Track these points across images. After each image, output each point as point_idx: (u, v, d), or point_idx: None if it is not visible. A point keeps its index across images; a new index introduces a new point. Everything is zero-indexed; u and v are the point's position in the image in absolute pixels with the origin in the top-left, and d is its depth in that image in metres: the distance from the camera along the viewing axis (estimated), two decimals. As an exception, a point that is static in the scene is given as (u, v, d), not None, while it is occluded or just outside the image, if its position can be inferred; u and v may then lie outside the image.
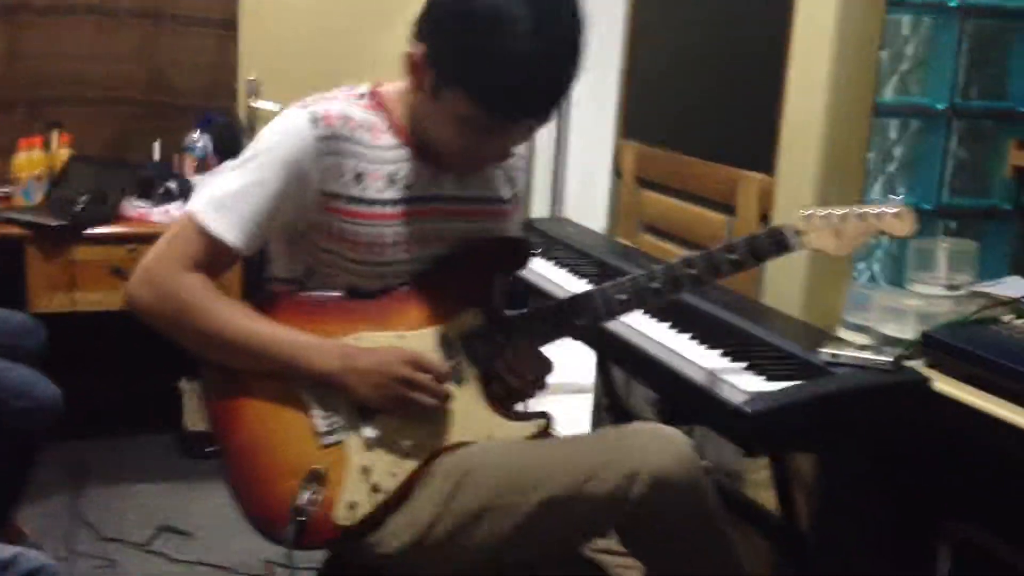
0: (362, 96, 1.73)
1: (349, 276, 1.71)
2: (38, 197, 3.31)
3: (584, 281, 2.31)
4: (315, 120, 1.64)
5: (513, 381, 1.75)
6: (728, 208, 2.46)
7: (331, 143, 1.64)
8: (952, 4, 2.20)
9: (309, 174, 1.64)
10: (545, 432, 1.74)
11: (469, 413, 1.70)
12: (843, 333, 2.13)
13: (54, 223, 3.13)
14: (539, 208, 4.28)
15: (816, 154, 2.17)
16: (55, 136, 3.42)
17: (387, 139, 1.71)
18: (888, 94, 2.22)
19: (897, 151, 2.26)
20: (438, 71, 1.60)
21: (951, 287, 2.17)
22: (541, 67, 1.55)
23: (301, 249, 1.72)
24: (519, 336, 1.74)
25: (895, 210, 1.75)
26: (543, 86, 1.58)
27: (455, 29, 1.57)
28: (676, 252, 2.66)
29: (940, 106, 2.25)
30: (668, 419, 1.92)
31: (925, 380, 1.78)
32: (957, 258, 2.20)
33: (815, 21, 2.15)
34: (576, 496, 1.57)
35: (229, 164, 1.68)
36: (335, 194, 1.67)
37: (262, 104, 3.66)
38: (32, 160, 3.33)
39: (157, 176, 3.45)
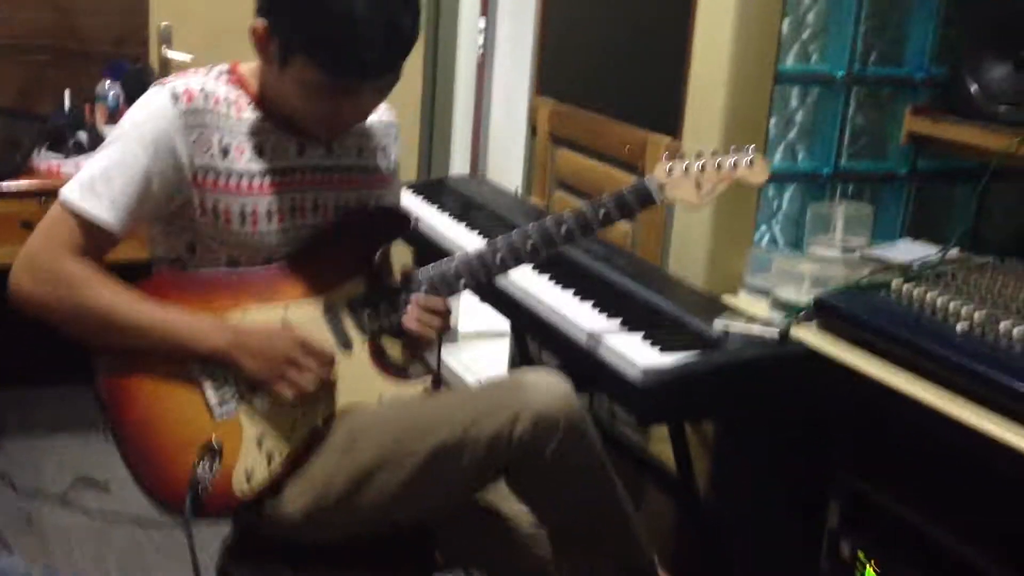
0: (221, 73, 1.76)
1: (228, 250, 1.74)
2: (-58, 150, 3.24)
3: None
4: (176, 96, 1.67)
5: (413, 331, 1.80)
6: (638, 169, 2.51)
7: (195, 117, 1.68)
8: (852, -28, 2.25)
9: (176, 149, 1.67)
10: (432, 390, 1.81)
11: (358, 378, 1.76)
12: (743, 296, 2.20)
13: (-39, 177, 3.07)
14: (459, 166, 4.28)
15: (719, 119, 2.21)
16: (-40, 87, 3.35)
17: (249, 113, 1.74)
18: (789, 61, 2.27)
19: (798, 117, 2.32)
20: (280, 41, 1.64)
21: (846, 250, 2.24)
22: (376, 26, 1.59)
23: (178, 228, 1.74)
24: (404, 297, 1.80)
25: (749, 158, 1.82)
26: (381, 44, 1.62)
27: None
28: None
29: (839, 73, 2.30)
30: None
31: (809, 351, 1.86)
32: (853, 222, 2.27)
33: (719, -11, 2.19)
34: (462, 441, 1.64)
35: (101, 145, 1.71)
36: (203, 167, 1.69)
37: (174, 53, 3.60)
38: (-63, 112, 3.26)
39: (68, 127, 3.38)
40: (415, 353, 1.86)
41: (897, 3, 2.31)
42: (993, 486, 1.66)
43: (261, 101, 1.75)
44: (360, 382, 1.76)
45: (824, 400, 1.92)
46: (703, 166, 1.83)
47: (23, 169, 3.20)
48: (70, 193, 1.66)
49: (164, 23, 3.61)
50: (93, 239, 1.66)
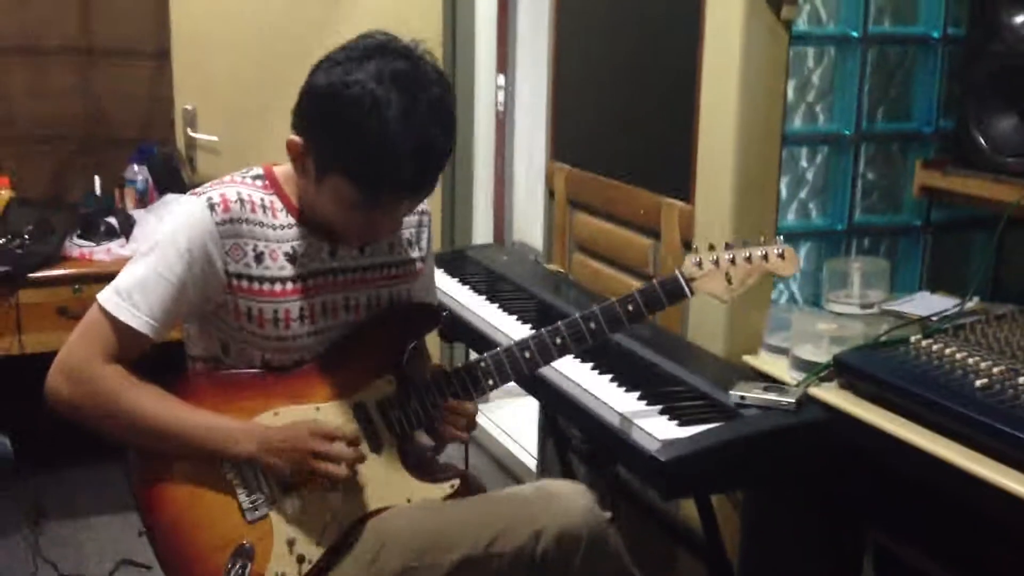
0: (256, 178, 1.81)
1: (262, 351, 1.78)
2: (-20, 242, 3.33)
3: (513, 318, 2.39)
4: (213, 206, 1.72)
5: (443, 435, 1.84)
6: (654, 232, 2.54)
7: (230, 226, 1.72)
8: (854, 34, 2.28)
9: (211, 258, 1.71)
10: (461, 490, 1.83)
11: (387, 478, 1.79)
12: (764, 356, 2.20)
13: (-3, 269, 3.15)
14: (482, 226, 4.29)
15: (730, 183, 2.24)
16: (-6, 179, 3.44)
17: (283, 218, 1.78)
18: (797, 123, 2.29)
19: (808, 176, 2.34)
20: (317, 158, 1.68)
21: (865, 305, 2.25)
22: (412, 146, 1.63)
23: (213, 328, 1.79)
24: (433, 399, 1.82)
25: (779, 250, 1.83)
26: (417, 165, 1.65)
27: (328, 118, 1.65)
28: (607, 273, 2.74)
29: (847, 132, 2.32)
30: (594, 455, 2.00)
31: (826, 417, 1.87)
32: (870, 276, 2.28)
33: (721, 56, 2.22)
34: (487, 555, 1.67)
35: (138, 253, 1.76)
36: (237, 274, 1.74)
37: (199, 135, 3.69)
38: (-27, 205, 3.35)
39: (98, 212, 3.46)
40: (441, 451, 1.89)
41: (901, 60, 2.34)
42: (1018, 541, 1.66)
43: (294, 206, 1.79)
44: (389, 483, 1.79)
45: (850, 458, 1.92)
46: (733, 259, 1.82)
47: (56, 258, 3.28)
48: (108, 300, 1.70)
49: (188, 106, 3.70)
50: (129, 345, 1.71)
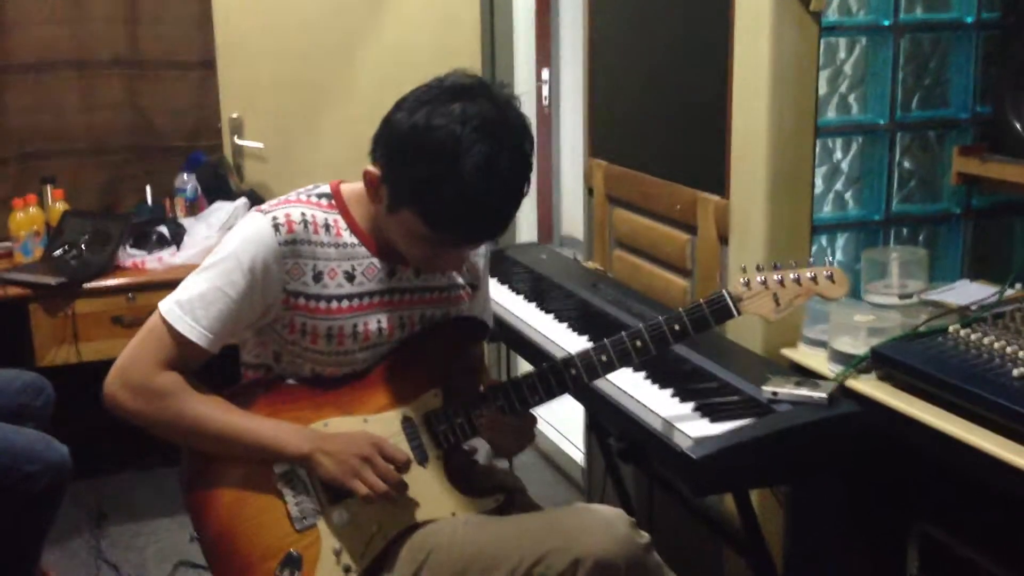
0: (322, 196, 1.83)
1: (313, 364, 1.82)
2: (36, 253, 3.43)
3: (550, 316, 2.41)
4: (277, 226, 1.75)
5: (500, 440, 1.87)
6: (691, 227, 2.54)
7: (293, 247, 1.76)
8: (885, 23, 2.26)
9: (272, 277, 1.75)
10: (505, 505, 1.85)
11: (432, 492, 1.81)
12: (802, 349, 2.20)
13: (54, 281, 3.25)
14: (526, 226, 4.29)
15: (764, 176, 2.23)
16: (49, 192, 3.54)
17: (347, 237, 1.81)
18: (831, 113, 2.28)
19: (844, 167, 2.33)
20: (392, 191, 1.71)
21: (903, 295, 2.24)
22: (490, 198, 1.65)
23: (268, 338, 1.83)
24: (480, 413, 1.83)
25: (828, 272, 1.81)
26: (490, 218, 1.69)
27: (408, 158, 1.66)
28: (646, 268, 2.75)
29: (882, 121, 2.30)
30: (631, 451, 2.00)
31: (860, 410, 1.86)
32: (908, 266, 2.26)
33: (752, 49, 2.22)
34: None
35: (202, 264, 1.80)
36: (296, 292, 1.78)
37: (246, 142, 3.75)
38: (29, 217, 3.45)
39: (150, 222, 3.55)
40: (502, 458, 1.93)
41: (934, 46, 2.31)
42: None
43: (358, 226, 1.83)
44: (434, 497, 1.81)
45: (891, 449, 1.91)
46: (782, 279, 1.81)
47: (110, 268, 3.37)
48: (169, 312, 1.75)
49: (234, 114, 3.77)
50: (186, 355, 1.76)
